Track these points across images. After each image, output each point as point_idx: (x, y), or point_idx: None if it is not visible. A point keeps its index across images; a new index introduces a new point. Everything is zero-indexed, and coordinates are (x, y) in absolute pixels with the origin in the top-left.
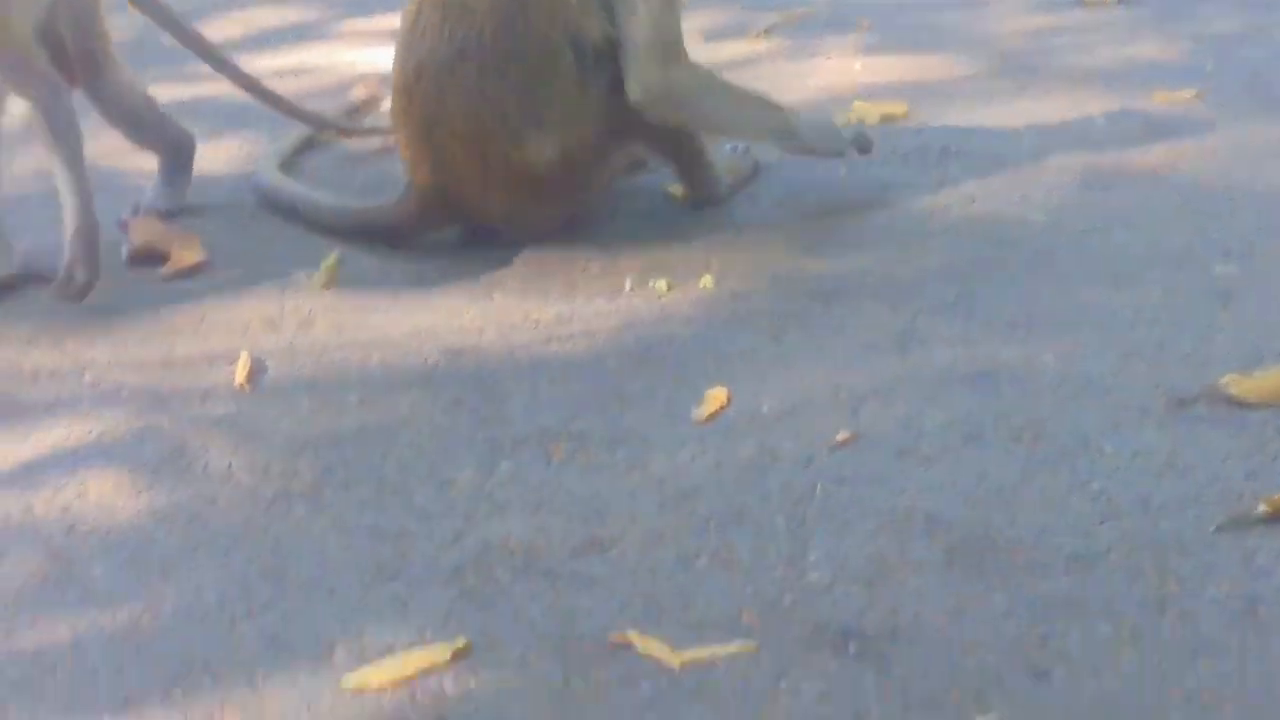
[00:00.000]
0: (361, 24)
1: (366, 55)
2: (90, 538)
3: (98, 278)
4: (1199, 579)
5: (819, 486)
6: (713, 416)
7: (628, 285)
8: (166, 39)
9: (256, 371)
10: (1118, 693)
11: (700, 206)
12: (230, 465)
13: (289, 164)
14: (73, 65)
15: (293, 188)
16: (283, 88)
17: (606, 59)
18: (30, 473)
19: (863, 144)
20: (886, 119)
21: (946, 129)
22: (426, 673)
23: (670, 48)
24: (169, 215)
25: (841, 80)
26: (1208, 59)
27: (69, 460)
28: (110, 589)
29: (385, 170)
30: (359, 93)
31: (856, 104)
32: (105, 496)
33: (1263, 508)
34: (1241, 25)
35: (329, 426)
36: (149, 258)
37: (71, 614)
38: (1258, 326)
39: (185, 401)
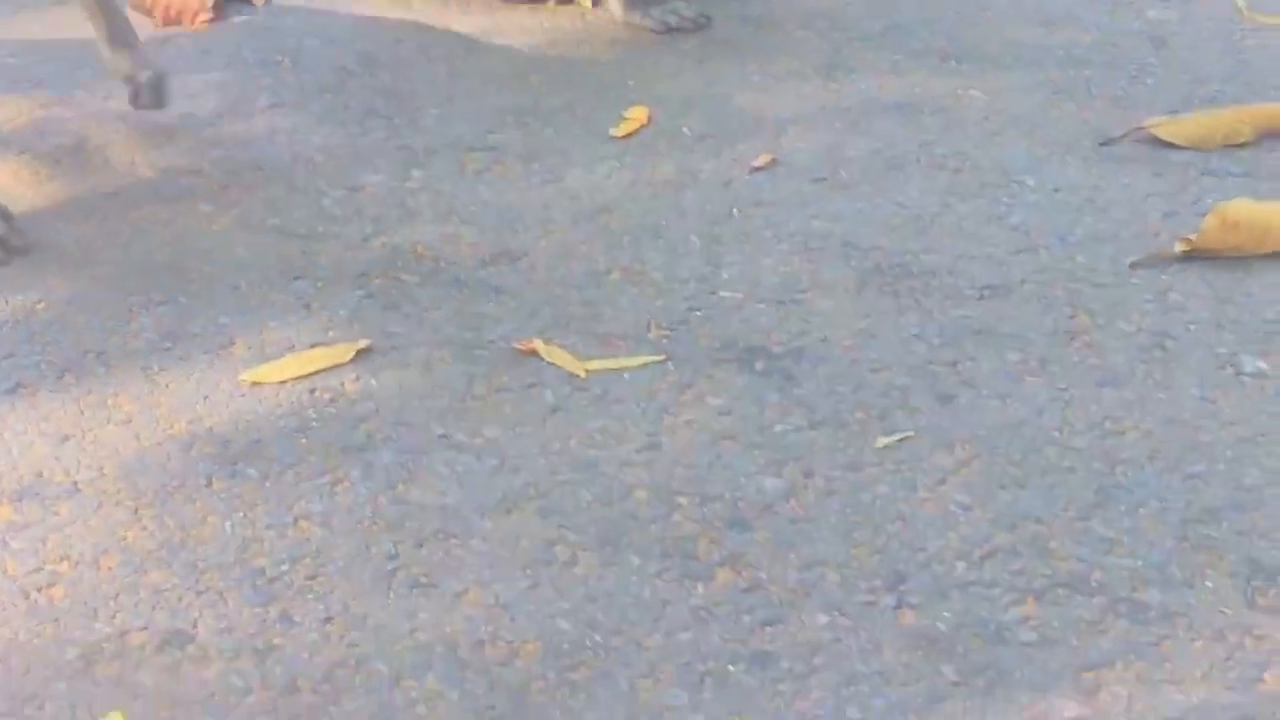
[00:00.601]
0: None
1: None
2: None
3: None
4: (1110, 312)
5: (735, 208)
6: (632, 135)
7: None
8: None
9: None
10: (1023, 418)
11: None
12: (134, 160)
13: None
14: None
15: None
16: None
17: None
18: None
19: None
20: None
21: None
22: (327, 371)
23: None
24: None
25: None
26: None
27: None
28: (3, 279)
29: None
30: None
31: None
32: (4, 186)
33: (1179, 246)
34: None
35: (237, 128)
36: None
37: None
38: (1188, 70)
39: (89, 94)
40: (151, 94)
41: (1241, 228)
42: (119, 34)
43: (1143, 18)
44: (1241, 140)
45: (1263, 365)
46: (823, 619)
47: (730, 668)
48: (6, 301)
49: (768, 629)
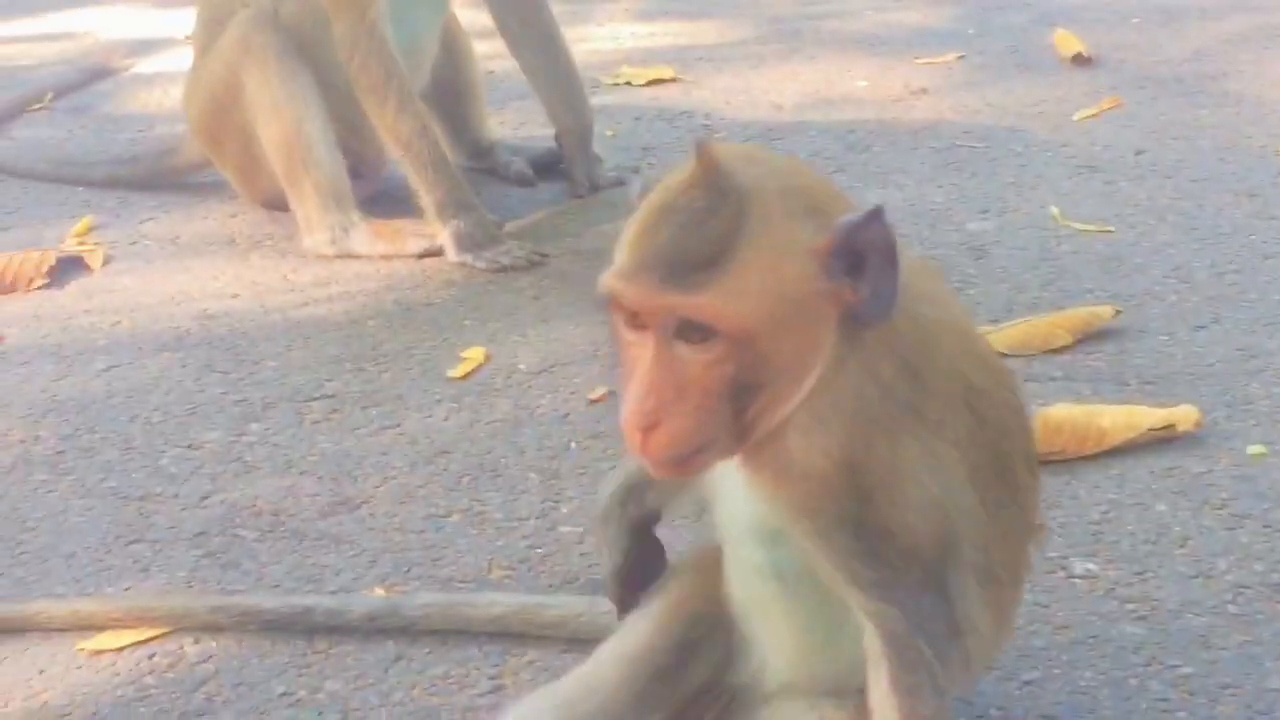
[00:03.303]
0: None
1: (115, 20)
2: None
3: None
4: None
5: (572, 442)
6: (470, 375)
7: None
8: None
9: None
10: None
11: None
12: None
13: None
14: None
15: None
16: (38, 52)
17: None
18: None
19: None
20: (654, 83)
21: (713, 93)
22: (166, 635)
23: None
24: None
25: (613, 48)
26: (970, 25)
27: None
28: None
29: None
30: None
31: (624, 69)
32: None
33: None
34: None
35: (73, 393)
36: None
37: None
38: (1007, 279)
39: None
40: None
41: (1064, 431)
42: None
43: (963, 230)
44: (1060, 345)
45: (1092, 566)
46: None
47: None
48: None
49: None
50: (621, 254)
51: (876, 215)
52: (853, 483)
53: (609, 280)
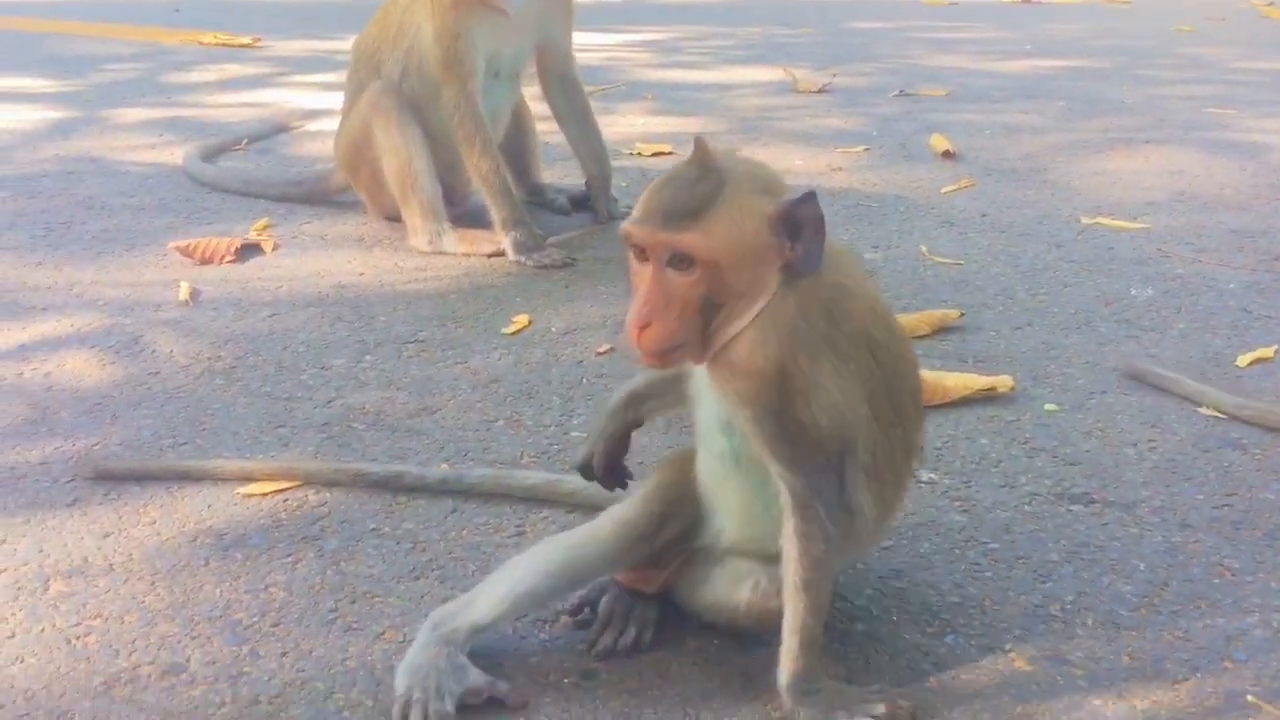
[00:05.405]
0: (297, 77)
1: (293, 97)
2: (63, 394)
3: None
4: None
5: (584, 378)
6: (517, 332)
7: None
8: None
9: (197, 293)
10: None
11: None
12: (171, 351)
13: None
14: None
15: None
16: (243, 114)
17: None
18: (24, 350)
19: None
20: (657, 154)
21: None
22: (297, 487)
23: None
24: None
25: (631, 130)
26: (874, 129)
27: (54, 344)
28: (72, 428)
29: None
30: (283, 120)
31: (638, 145)
32: (78, 368)
33: None
34: (897, 109)
35: (246, 329)
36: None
37: (40, 444)
38: (888, 291)
39: (144, 310)
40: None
41: (923, 389)
42: None
43: (861, 259)
44: (921, 334)
45: (934, 476)
46: None
47: None
48: (73, 444)
49: None
50: (637, 207)
51: (811, 196)
52: (781, 385)
53: (626, 225)
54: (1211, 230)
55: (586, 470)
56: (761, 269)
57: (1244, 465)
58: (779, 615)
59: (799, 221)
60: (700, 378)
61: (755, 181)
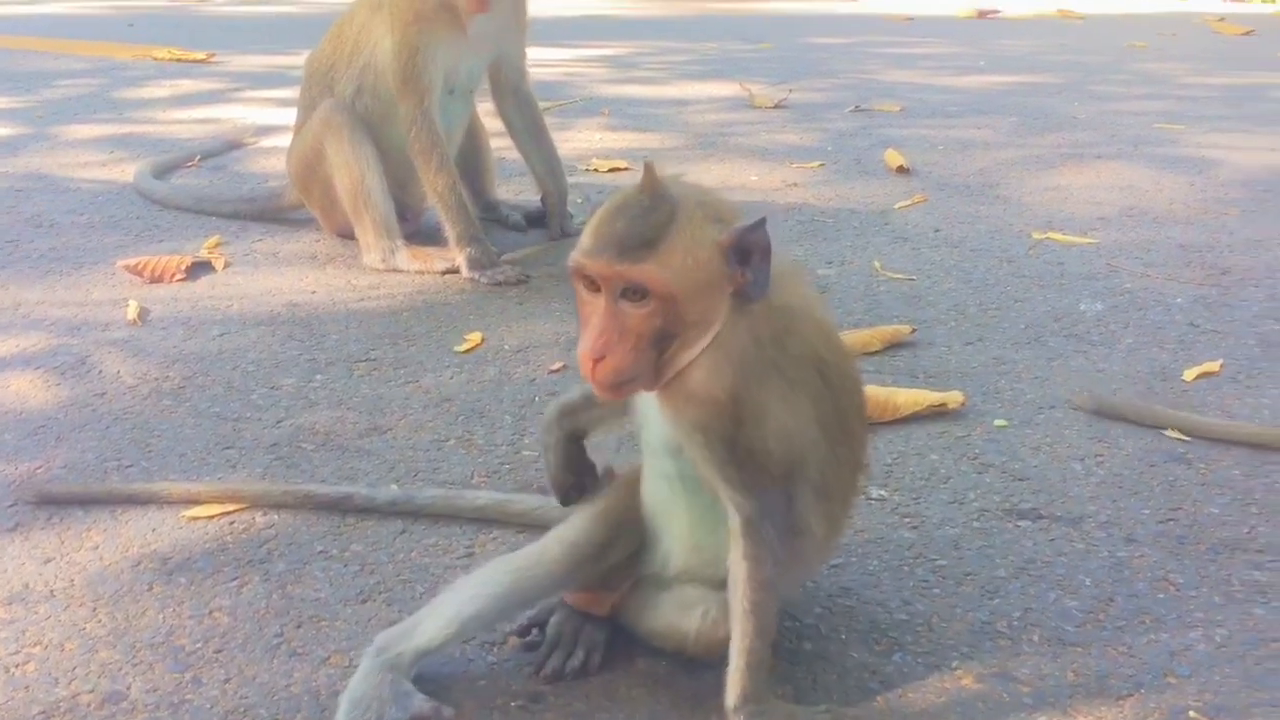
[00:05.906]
0: (251, 93)
1: (247, 113)
2: (6, 416)
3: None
4: None
5: (536, 397)
6: (470, 350)
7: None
8: None
9: (145, 312)
10: None
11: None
12: (119, 371)
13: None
14: None
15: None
16: (196, 130)
17: None
18: None
19: None
20: (613, 170)
21: None
22: (243, 510)
23: None
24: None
25: (587, 146)
26: (829, 144)
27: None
28: (15, 451)
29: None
30: (236, 136)
31: (594, 160)
32: (22, 389)
33: None
34: (853, 125)
35: (194, 349)
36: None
37: None
38: (840, 307)
39: (91, 329)
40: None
41: (872, 403)
42: None
43: (813, 274)
44: (874, 349)
45: (883, 493)
46: None
47: None
48: (15, 468)
49: None
50: (586, 237)
51: (760, 225)
52: (732, 412)
53: (577, 257)
54: (1160, 245)
55: (568, 495)
56: (714, 298)
57: (1188, 480)
58: (728, 644)
59: (749, 249)
60: (647, 400)
61: (706, 209)
